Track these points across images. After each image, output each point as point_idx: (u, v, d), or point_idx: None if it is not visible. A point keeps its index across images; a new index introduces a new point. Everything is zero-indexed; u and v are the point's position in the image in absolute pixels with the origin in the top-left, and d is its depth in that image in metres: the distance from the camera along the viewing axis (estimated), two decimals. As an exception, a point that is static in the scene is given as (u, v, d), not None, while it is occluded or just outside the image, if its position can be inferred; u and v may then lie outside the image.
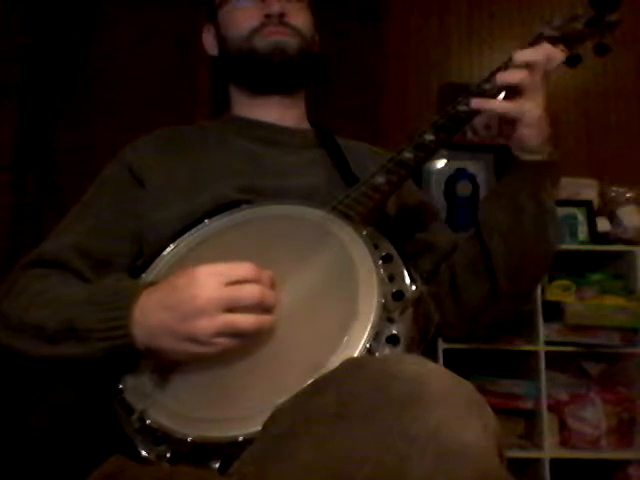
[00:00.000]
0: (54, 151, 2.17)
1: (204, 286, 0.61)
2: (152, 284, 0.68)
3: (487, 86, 0.83)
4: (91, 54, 2.24)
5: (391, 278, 0.65)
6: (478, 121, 2.03)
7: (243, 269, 0.63)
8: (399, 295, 0.63)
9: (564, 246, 1.91)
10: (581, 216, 2.07)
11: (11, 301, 0.75)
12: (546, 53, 0.81)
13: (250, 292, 0.62)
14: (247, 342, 0.62)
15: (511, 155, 0.85)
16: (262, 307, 0.62)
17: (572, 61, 0.90)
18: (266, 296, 0.62)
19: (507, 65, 0.82)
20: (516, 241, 0.82)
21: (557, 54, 0.82)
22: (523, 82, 0.78)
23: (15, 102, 2.08)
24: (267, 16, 0.92)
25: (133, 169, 0.89)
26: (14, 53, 2.10)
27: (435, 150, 0.81)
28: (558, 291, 1.95)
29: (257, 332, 0.61)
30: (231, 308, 0.61)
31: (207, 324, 0.60)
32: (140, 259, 0.84)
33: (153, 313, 0.63)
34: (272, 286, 0.64)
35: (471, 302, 0.86)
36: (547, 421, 1.86)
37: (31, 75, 2.14)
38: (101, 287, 0.70)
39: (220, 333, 0.60)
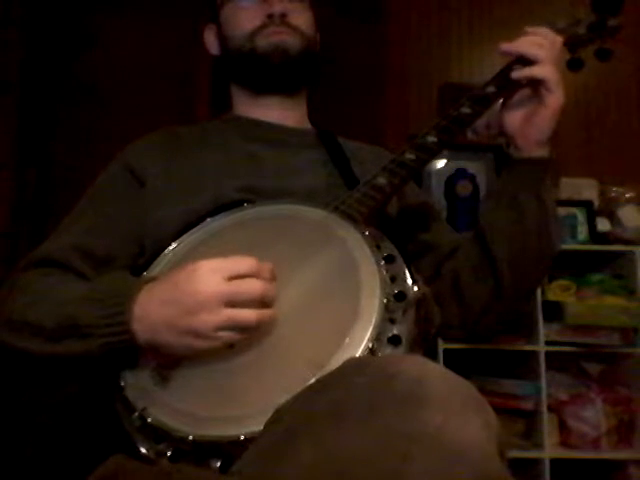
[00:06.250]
0: (55, 150, 2.17)
1: (205, 281, 0.61)
2: (152, 280, 0.68)
3: (490, 89, 0.83)
4: (92, 54, 2.24)
5: (393, 279, 0.65)
6: (479, 121, 2.03)
7: (244, 264, 0.63)
8: (401, 296, 0.63)
9: (564, 246, 1.90)
10: (581, 216, 2.07)
11: (12, 300, 0.75)
12: (544, 35, 0.83)
13: (251, 287, 0.62)
14: (249, 336, 0.62)
15: (508, 154, 0.86)
16: (263, 301, 0.62)
17: (574, 65, 0.91)
18: (267, 290, 0.63)
19: (511, 67, 0.83)
20: (518, 241, 0.82)
21: (554, 36, 0.84)
22: (542, 54, 0.80)
23: (15, 101, 2.08)
24: (269, 16, 0.92)
25: (134, 169, 0.89)
26: (14, 53, 2.10)
27: (437, 152, 0.81)
28: (558, 291, 1.95)
29: (258, 326, 0.62)
30: (233, 303, 0.61)
31: (209, 318, 0.60)
32: (142, 258, 0.85)
33: (154, 309, 0.63)
34: (272, 279, 0.65)
35: (474, 303, 0.86)
36: (547, 421, 1.86)
37: (31, 74, 2.14)
38: (101, 284, 0.70)
39: (223, 327, 0.61)
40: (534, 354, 1.89)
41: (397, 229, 0.89)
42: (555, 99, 0.79)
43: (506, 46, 0.83)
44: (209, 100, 2.21)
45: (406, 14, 2.46)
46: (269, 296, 0.63)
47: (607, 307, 1.90)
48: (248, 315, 0.61)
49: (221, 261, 0.63)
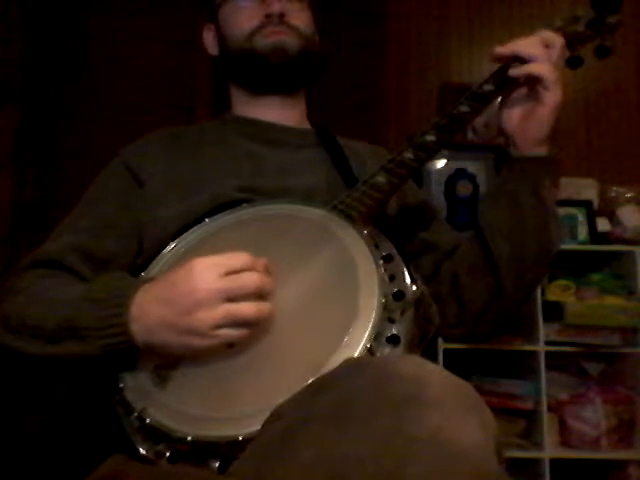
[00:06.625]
0: (55, 150, 2.17)
1: (202, 279, 0.61)
2: (149, 280, 0.68)
3: (488, 87, 0.83)
4: (93, 55, 2.24)
5: (392, 278, 0.65)
6: (478, 121, 2.04)
7: (239, 259, 0.63)
8: (400, 295, 0.63)
9: (564, 246, 1.91)
10: (581, 216, 2.07)
11: (11, 301, 0.75)
12: (543, 37, 0.83)
13: (248, 280, 0.62)
14: (248, 335, 0.62)
15: (508, 153, 0.85)
16: (261, 294, 0.62)
17: (573, 63, 0.90)
18: (264, 282, 0.63)
19: (509, 65, 0.83)
20: (518, 241, 0.82)
21: (555, 38, 0.83)
22: (537, 53, 0.79)
23: (15, 101, 2.09)
24: (267, 16, 0.92)
25: (133, 169, 0.89)
26: (16, 54, 2.10)
27: (436, 151, 0.81)
28: (558, 291, 1.95)
29: (257, 321, 0.62)
30: (231, 298, 0.61)
31: (208, 316, 0.60)
32: (140, 258, 0.85)
33: (152, 309, 0.63)
34: (267, 273, 0.65)
35: (473, 303, 0.86)
36: (547, 421, 1.86)
37: (33, 75, 2.14)
38: (99, 285, 0.70)
39: (221, 324, 0.60)
40: (534, 354, 1.89)
41: (396, 228, 0.89)
42: (553, 97, 0.79)
43: (499, 49, 0.83)
44: (209, 100, 2.21)
45: (406, 14, 2.46)
46: (266, 289, 0.63)
47: (607, 307, 1.90)
48: (246, 308, 0.61)
49: (216, 258, 0.63)
